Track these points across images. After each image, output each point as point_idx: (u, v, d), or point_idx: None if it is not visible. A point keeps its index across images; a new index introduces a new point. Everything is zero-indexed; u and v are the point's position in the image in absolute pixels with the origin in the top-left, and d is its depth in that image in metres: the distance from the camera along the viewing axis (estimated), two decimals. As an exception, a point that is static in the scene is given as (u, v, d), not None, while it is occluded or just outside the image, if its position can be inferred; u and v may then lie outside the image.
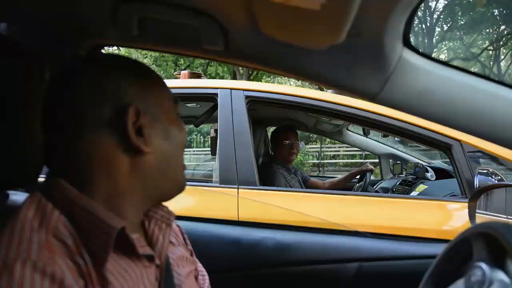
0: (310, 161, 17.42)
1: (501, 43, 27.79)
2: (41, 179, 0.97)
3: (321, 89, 4.40)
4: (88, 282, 0.69)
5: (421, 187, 3.19)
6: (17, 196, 1.03)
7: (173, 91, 0.92)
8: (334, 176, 4.26)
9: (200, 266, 1.13)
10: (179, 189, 0.92)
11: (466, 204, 1.43)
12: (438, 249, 1.09)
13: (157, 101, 0.85)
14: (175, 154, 0.88)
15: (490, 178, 2.08)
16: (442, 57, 31.37)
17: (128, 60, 0.89)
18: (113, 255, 0.75)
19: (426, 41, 28.44)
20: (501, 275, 0.81)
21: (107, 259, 0.71)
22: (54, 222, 0.71)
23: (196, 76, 3.20)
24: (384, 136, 4.32)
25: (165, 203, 0.94)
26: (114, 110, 0.77)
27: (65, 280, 0.64)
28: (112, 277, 0.73)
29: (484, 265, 0.83)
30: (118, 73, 0.82)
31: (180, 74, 3.29)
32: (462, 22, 28.45)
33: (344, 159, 18.56)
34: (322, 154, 17.81)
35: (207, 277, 1.13)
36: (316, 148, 18.23)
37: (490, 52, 29.64)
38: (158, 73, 0.94)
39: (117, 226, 0.74)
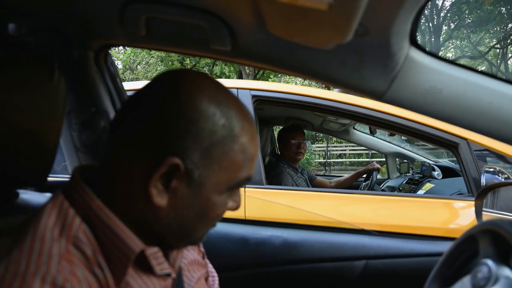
0: (316, 160, 17.37)
1: (509, 41, 27.61)
2: (49, 178, 0.99)
3: (328, 88, 4.40)
4: None
5: (428, 185, 3.18)
6: (27, 195, 1.04)
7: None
8: (341, 175, 4.25)
9: (210, 267, 1.13)
10: (188, 245, 0.87)
11: (473, 203, 1.43)
12: (444, 247, 1.09)
13: (212, 173, 0.74)
14: (194, 225, 0.78)
15: (497, 176, 2.08)
16: (449, 55, 31.23)
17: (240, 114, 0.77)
18: (134, 268, 0.75)
19: (433, 39, 28.31)
20: (507, 272, 0.81)
21: (123, 280, 0.71)
22: (74, 230, 0.70)
23: (203, 75, 3.20)
24: (391, 135, 4.31)
25: None
26: (162, 150, 0.71)
27: None
28: None
29: (490, 262, 0.84)
30: (201, 128, 0.72)
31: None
32: (469, 21, 28.30)
33: (351, 158, 18.51)
34: (328, 153, 17.76)
35: (216, 278, 1.13)
36: (323, 147, 18.19)
37: (498, 50, 29.48)
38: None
39: (136, 249, 0.72)
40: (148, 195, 0.71)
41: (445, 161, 4.71)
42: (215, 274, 1.14)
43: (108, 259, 0.71)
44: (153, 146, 0.71)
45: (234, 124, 0.75)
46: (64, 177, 0.81)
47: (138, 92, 0.77)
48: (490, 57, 30.10)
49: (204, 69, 18.28)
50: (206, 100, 0.73)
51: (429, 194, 3.01)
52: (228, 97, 0.77)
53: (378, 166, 3.67)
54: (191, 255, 1.01)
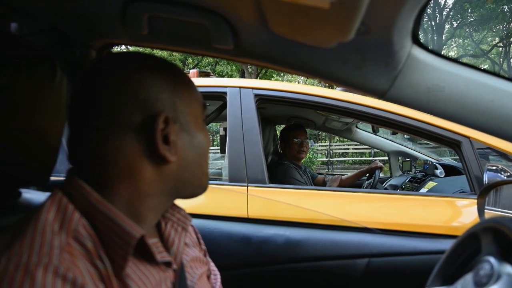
0: (319, 159, 17.36)
1: (511, 39, 27.56)
2: (52, 177, 0.99)
3: (331, 87, 4.40)
4: (108, 287, 0.70)
5: (430, 184, 3.18)
6: (30, 194, 1.04)
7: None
8: (343, 174, 4.25)
9: (212, 266, 1.14)
10: (201, 192, 0.91)
11: (475, 201, 1.43)
12: (446, 245, 1.09)
13: (187, 108, 0.84)
14: (199, 161, 0.87)
15: (499, 174, 2.07)
16: (452, 54, 31.20)
17: (161, 62, 0.86)
18: (133, 260, 0.75)
19: (435, 38, 28.26)
20: (509, 269, 0.81)
21: (125, 267, 0.72)
22: (74, 224, 0.71)
23: (205, 74, 3.20)
24: (393, 133, 4.31)
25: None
26: (144, 117, 0.77)
27: (86, 286, 0.64)
28: (133, 283, 0.73)
29: (492, 259, 0.84)
30: (152, 78, 0.80)
31: (189, 73, 3.29)
32: (471, 19, 28.27)
33: (353, 157, 18.50)
34: (331, 152, 17.75)
35: (219, 276, 1.13)
36: (325, 146, 18.18)
37: (500, 48, 29.44)
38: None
39: (137, 235, 0.74)
40: (154, 163, 0.79)
41: (448, 160, 4.71)
42: (217, 273, 1.14)
43: (108, 250, 0.72)
44: (136, 119, 0.77)
45: (174, 69, 0.87)
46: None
47: (88, 83, 0.81)
48: (493, 56, 30.05)
49: (207, 68, 18.27)
50: (145, 62, 0.83)
51: (432, 192, 3.01)
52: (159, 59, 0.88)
53: (381, 164, 3.66)
54: (192, 252, 1.02)
